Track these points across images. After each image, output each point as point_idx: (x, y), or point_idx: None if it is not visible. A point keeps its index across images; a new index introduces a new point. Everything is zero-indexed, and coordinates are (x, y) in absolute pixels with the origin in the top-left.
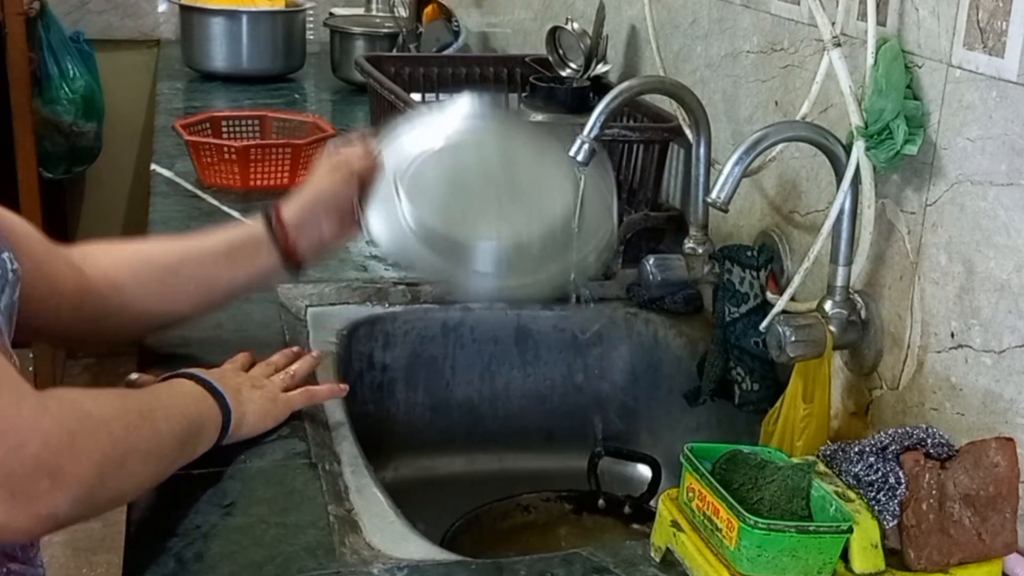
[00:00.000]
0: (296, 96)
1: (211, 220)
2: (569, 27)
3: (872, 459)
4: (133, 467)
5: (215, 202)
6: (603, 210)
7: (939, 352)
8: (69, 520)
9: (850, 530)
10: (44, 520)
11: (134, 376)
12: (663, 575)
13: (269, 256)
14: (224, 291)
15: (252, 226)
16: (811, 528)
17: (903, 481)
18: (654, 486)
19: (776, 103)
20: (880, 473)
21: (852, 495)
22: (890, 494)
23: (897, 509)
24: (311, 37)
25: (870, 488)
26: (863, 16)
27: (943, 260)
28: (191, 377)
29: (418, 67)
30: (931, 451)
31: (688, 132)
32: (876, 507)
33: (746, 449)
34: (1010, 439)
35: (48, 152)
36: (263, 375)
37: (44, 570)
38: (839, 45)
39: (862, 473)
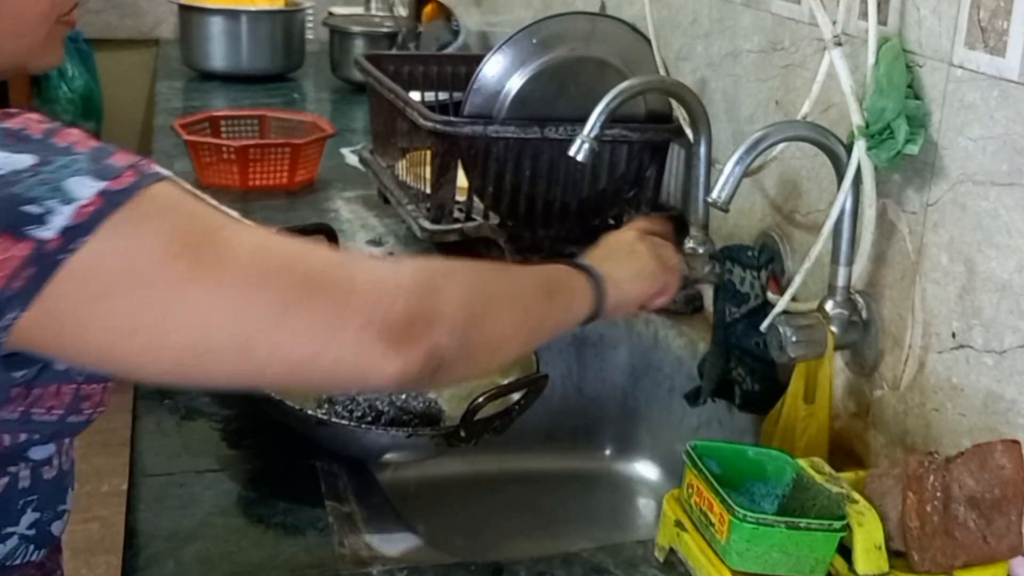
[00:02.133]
0: (295, 96)
1: None
2: None
3: None
4: (500, 308)
5: (214, 202)
6: None
7: (940, 352)
8: (450, 358)
9: (843, 529)
10: (428, 355)
11: None
12: (663, 575)
13: None
14: None
15: None
16: (801, 524)
17: None
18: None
19: (777, 103)
20: None
21: (857, 496)
22: None
23: None
24: (310, 36)
25: None
26: (864, 15)
27: (944, 260)
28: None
29: (418, 66)
30: None
31: (688, 132)
32: None
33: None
34: (1016, 441)
35: None
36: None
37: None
38: (840, 44)
39: None
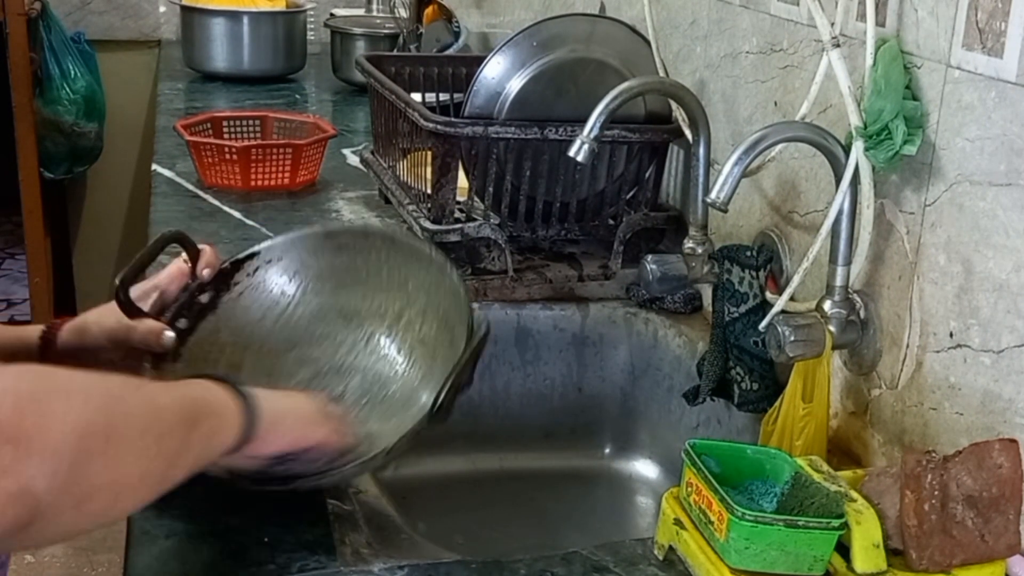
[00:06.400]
0: (297, 96)
1: (212, 220)
2: None
3: None
4: (126, 444)
5: (216, 202)
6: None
7: (938, 352)
8: (49, 506)
9: (841, 528)
10: (16, 498)
11: None
12: (663, 574)
13: None
14: None
15: (30, 339)
16: (800, 523)
17: None
18: None
19: (775, 103)
20: None
21: (855, 495)
22: None
23: None
24: (312, 38)
25: None
26: (862, 17)
27: (942, 260)
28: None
29: (419, 67)
30: None
31: (687, 133)
32: None
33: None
34: (1014, 440)
35: (49, 152)
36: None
37: None
38: (838, 46)
39: None
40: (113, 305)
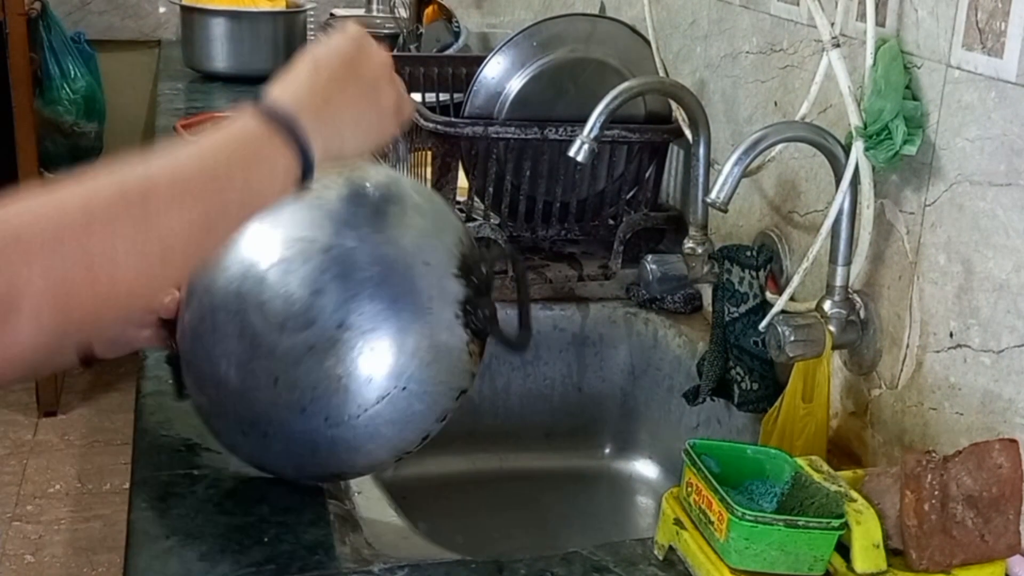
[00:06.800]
0: None
1: None
2: None
3: None
4: (123, 251)
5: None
6: None
7: (938, 352)
8: (49, 336)
9: (841, 528)
10: (13, 359)
11: None
12: (663, 574)
13: None
14: None
15: None
16: (800, 523)
17: None
18: None
19: (775, 103)
20: None
21: (855, 495)
22: None
23: None
24: (312, 38)
25: None
26: (862, 17)
27: (942, 260)
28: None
29: (419, 67)
30: None
31: (687, 133)
32: None
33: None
34: (1014, 440)
35: (49, 152)
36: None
37: None
38: (838, 46)
39: None
40: None
